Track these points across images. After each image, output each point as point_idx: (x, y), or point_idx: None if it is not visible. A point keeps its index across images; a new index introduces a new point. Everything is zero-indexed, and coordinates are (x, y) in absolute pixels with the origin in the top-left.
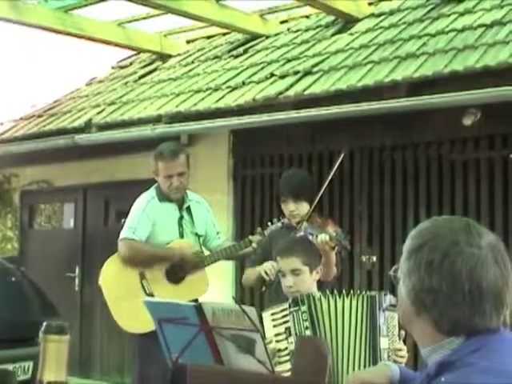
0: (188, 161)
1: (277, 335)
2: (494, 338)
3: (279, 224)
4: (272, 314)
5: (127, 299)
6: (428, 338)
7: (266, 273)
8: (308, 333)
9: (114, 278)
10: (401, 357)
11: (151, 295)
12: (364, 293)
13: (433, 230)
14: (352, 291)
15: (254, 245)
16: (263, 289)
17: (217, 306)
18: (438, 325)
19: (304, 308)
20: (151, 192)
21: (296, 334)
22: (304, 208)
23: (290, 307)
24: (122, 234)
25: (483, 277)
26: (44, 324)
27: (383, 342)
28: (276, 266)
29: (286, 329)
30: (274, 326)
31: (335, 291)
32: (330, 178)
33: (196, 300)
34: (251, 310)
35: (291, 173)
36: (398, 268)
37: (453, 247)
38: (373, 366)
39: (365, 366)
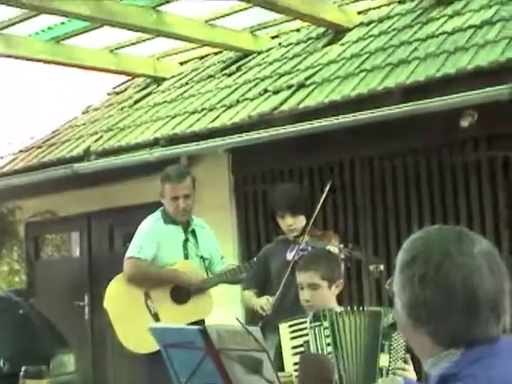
0: (194, 183)
1: (294, 348)
2: (494, 348)
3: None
4: (290, 326)
5: (132, 319)
6: (427, 350)
7: (262, 308)
8: (329, 349)
9: (118, 297)
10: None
11: (156, 315)
12: (369, 308)
13: (424, 241)
14: (362, 303)
15: None
16: (260, 324)
17: (221, 328)
18: (435, 338)
19: (326, 324)
20: (157, 214)
21: (316, 349)
22: (301, 222)
23: (310, 322)
24: (128, 253)
25: (478, 286)
26: (22, 369)
27: (383, 360)
28: (271, 299)
29: (305, 342)
30: (292, 338)
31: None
32: (319, 205)
33: (202, 321)
34: (256, 330)
35: (286, 187)
36: (393, 281)
37: (445, 258)
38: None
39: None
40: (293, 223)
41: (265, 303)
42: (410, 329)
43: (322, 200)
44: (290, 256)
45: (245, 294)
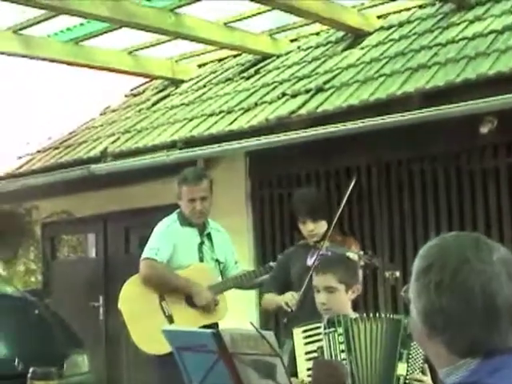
0: (211, 186)
1: (308, 353)
2: None
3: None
4: (304, 332)
5: (146, 320)
6: (443, 359)
7: (286, 304)
8: (343, 356)
9: (133, 298)
10: None
11: (170, 317)
12: (389, 315)
13: (440, 248)
14: (378, 310)
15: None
16: (285, 320)
17: (235, 331)
18: (451, 346)
19: (341, 330)
20: (173, 216)
21: (330, 355)
22: (322, 227)
23: (325, 328)
24: (144, 255)
25: (497, 292)
26: (30, 370)
27: (400, 368)
28: (296, 295)
29: (319, 348)
30: (306, 344)
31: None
32: (342, 204)
33: (215, 324)
34: (270, 335)
35: (305, 192)
36: (409, 288)
37: (462, 265)
38: None
39: None
40: (314, 228)
41: (290, 299)
42: (425, 337)
43: (344, 201)
44: (310, 261)
45: (265, 296)
